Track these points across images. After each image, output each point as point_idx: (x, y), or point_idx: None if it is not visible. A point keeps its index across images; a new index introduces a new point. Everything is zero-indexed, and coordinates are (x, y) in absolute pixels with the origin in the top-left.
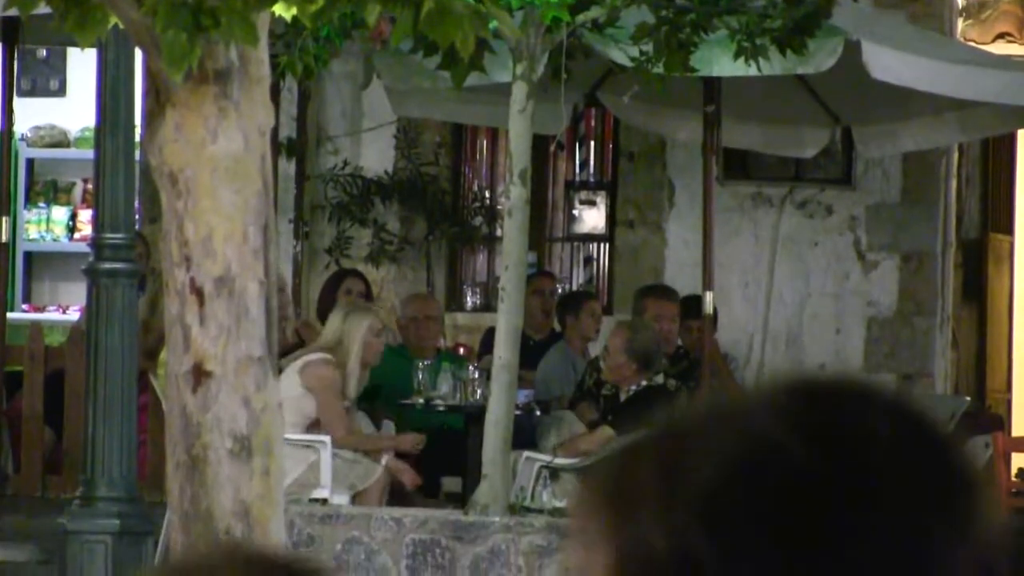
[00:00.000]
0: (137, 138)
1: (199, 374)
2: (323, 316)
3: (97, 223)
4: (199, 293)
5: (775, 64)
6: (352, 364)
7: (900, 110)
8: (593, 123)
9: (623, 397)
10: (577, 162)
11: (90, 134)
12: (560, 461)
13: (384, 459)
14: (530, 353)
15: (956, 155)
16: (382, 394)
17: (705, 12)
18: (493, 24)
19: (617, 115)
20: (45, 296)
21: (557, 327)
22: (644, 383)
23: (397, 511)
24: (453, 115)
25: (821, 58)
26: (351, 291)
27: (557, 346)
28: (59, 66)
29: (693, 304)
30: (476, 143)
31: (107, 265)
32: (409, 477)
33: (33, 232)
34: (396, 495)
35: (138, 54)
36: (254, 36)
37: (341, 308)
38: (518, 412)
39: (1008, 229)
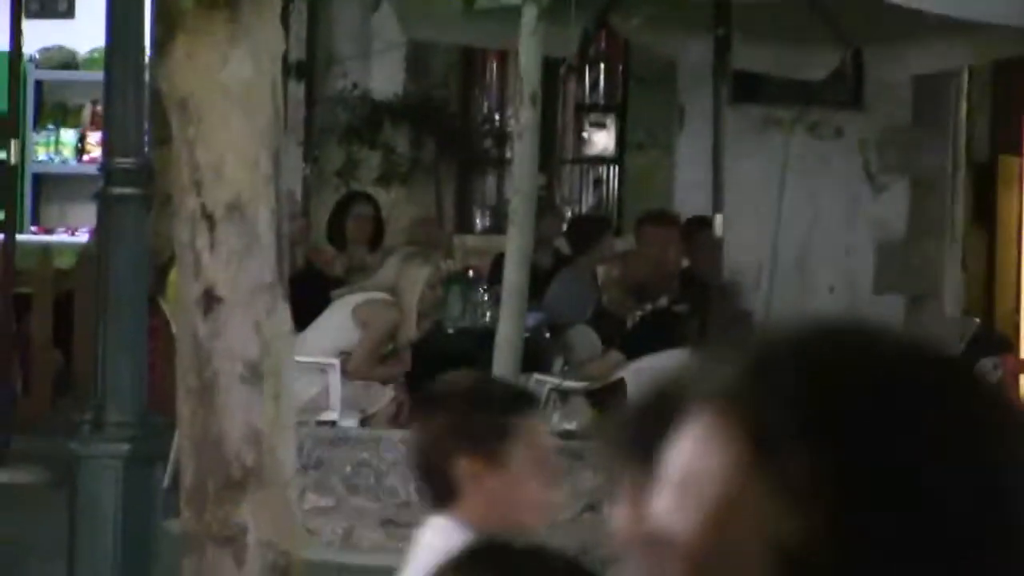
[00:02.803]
0: (146, 61)
1: (210, 300)
2: (332, 239)
3: (106, 148)
4: (210, 219)
5: None
6: (409, 312)
7: (911, 32)
8: (603, 45)
9: (629, 323)
10: (587, 85)
11: (99, 55)
12: (569, 384)
13: (392, 386)
14: (536, 280)
15: (966, 78)
16: None
17: None
18: None
19: (627, 38)
20: (54, 218)
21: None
22: (649, 307)
23: (406, 433)
24: (463, 38)
25: None
26: (360, 215)
27: (568, 269)
28: None
29: (700, 224)
30: (486, 66)
31: (117, 190)
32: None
33: (42, 154)
34: (406, 417)
35: None
36: None
37: (401, 252)
38: (527, 335)
39: (1018, 151)
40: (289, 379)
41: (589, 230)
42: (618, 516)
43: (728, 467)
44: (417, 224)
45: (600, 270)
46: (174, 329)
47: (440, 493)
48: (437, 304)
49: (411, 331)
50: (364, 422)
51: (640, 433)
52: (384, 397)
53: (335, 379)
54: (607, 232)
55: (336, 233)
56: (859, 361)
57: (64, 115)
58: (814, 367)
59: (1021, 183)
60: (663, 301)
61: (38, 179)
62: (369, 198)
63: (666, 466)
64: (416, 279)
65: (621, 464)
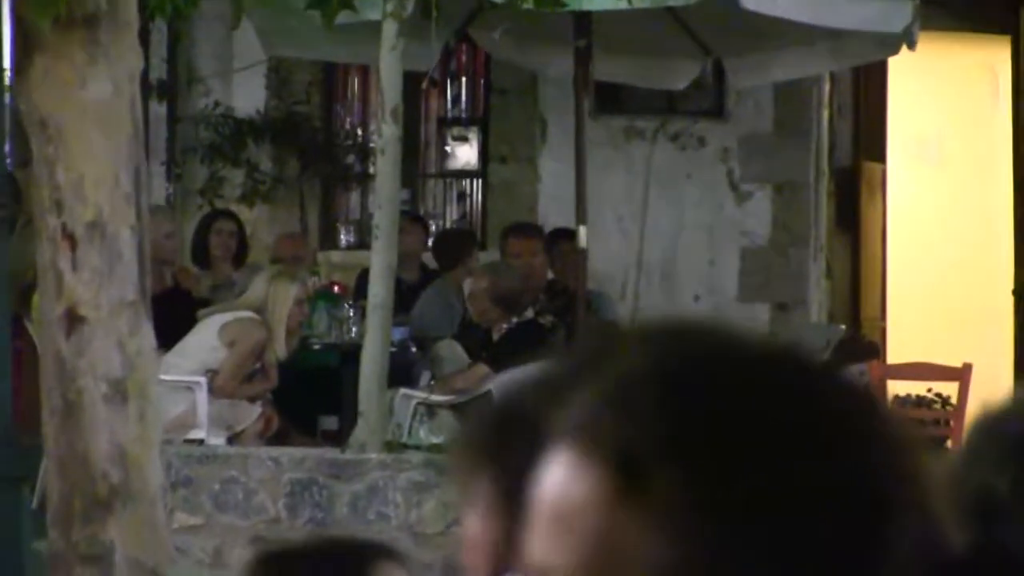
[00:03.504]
0: (7, 80)
1: (72, 319)
2: (196, 258)
3: None
4: (71, 238)
5: None
6: (278, 330)
7: (771, 41)
8: (464, 59)
9: (496, 336)
10: (449, 99)
11: None
12: (436, 398)
13: (259, 403)
14: (402, 296)
15: (828, 84)
16: None
17: None
18: None
19: (488, 51)
20: None
21: (431, 266)
22: (515, 320)
23: (274, 450)
24: (324, 54)
25: None
26: (222, 231)
27: (435, 283)
28: None
29: (563, 236)
30: (348, 81)
31: None
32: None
33: None
34: (273, 435)
35: None
36: None
37: (268, 271)
38: (393, 349)
39: (880, 157)
40: (154, 397)
41: (455, 244)
42: (469, 527)
43: (597, 500)
44: (282, 240)
45: (466, 283)
46: (39, 350)
47: None
48: (304, 321)
49: (280, 349)
50: (232, 440)
51: (493, 447)
52: (251, 414)
53: (202, 397)
54: (473, 246)
55: (199, 251)
56: (715, 373)
57: None
58: (669, 385)
59: (884, 189)
60: (529, 313)
61: None
62: (231, 215)
63: (537, 500)
64: (284, 297)
65: (474, 477)
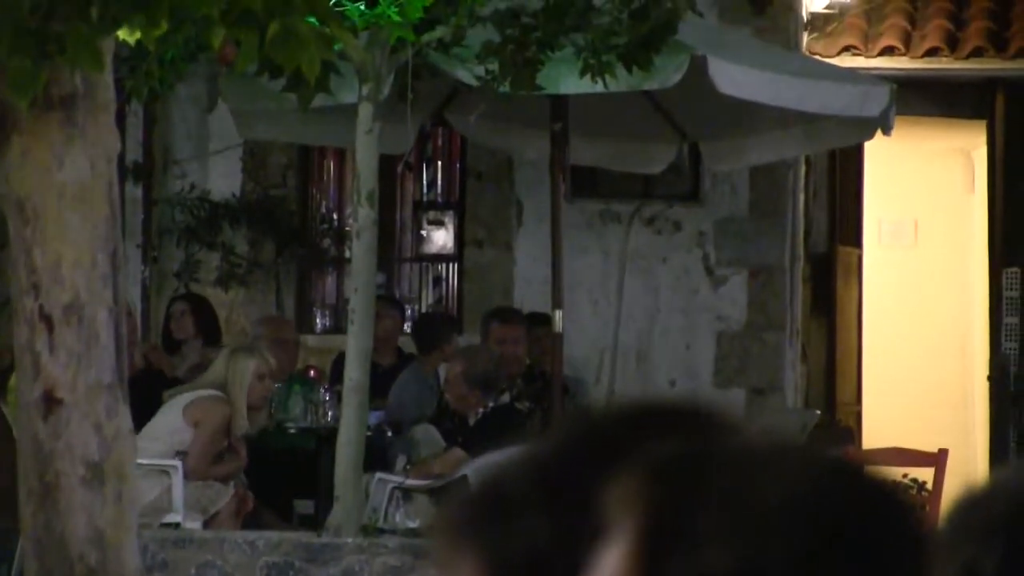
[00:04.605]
0: None
1: (50, 401)
2: (165, 343)
3: None
4: (48, 320)
5: (621, 81)
6: (239, 404)
7: (747, 125)
8: (440, 143)
9: (472, 420)
10: (425, 182)
11: None
12: (412, 482)
13: (233, 483)
14: (378, 380)
15: (803, 168)
16: None
17: (551, 30)
18: (338, 46)
19: (464, 135)
20: None
21: (406, 350)
22: (491, 405)
23: (251, 534)
24: (299, 137)
25: (667, 74)
26: (173, 314)
27: (412, 367)
28: None
29: (539, 320)
30: (323, 165)
31: None
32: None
33: None
34: (249, 519)
35: None
36: (99, 62)
37: (227, 348)
38: (369, 433)
39: (856, 242)
40: (132, 480)
41: (435, 328)
42: None
43: None
44: (263, 322)
45: (442, 368)
46: (15, 433)
47: None
48: (268, 396)
49: (243, 424)
50: (207, 523)
51: (476, 527)
52: (225, 495)
53: (178, 480)
54: (452, 331)
55: (166, 336)
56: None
57: None
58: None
59: (859, 273)
60: (505, 397)
61: None
62: (184, 297)
63: None
64: (243, 371)
65: (455, 559)
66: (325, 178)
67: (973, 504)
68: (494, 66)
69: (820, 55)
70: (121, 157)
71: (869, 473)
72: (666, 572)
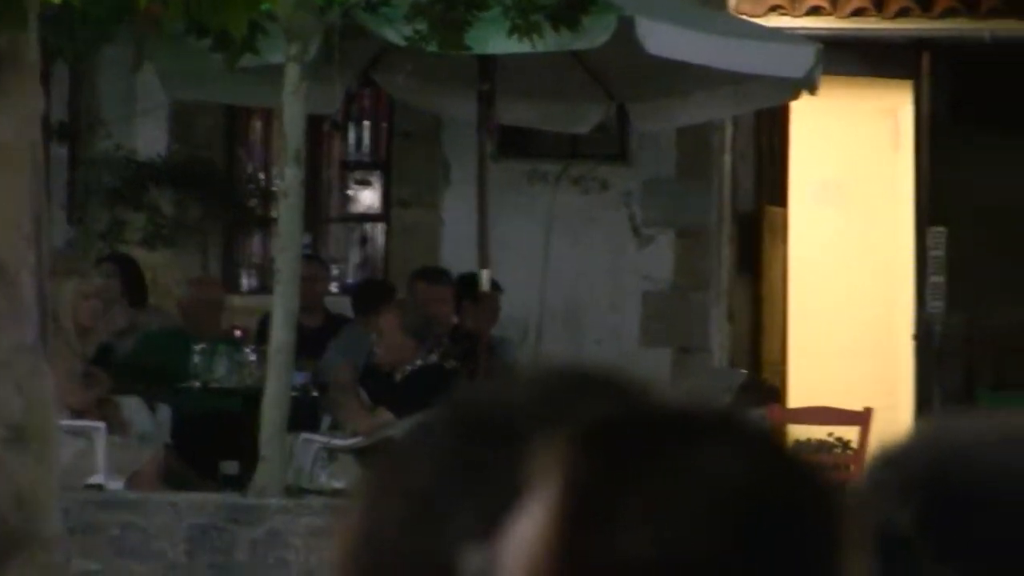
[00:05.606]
0: None
1: None
2: None
3: None
4: None
5: (549, 41)
6: (68, 329)
7: (674, 85)
8: (367, 103)
9: (398, 378)
10: (352, 142)
11: None
12: (337, 442)
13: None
14: (305, 340)
15: (730, 129)
16: (158, 378)
17: None
18: (266, 6)
19: (392, 94)
20: None
21: (333, 311)
22: (419, 363)
23: (174, 496)
24: (226, 97)
25: (595, 34)
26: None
27: (347, 327)
28: None
29: (469, 282)
30: (250, 125)
31: None
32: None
33: None
34: (173, 479)
35: None
36: (24, 22)
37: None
38: (295, 394)
39: (782, 201)
40: (54, 441)
41: (375, 293)
42: None
43: None
44: (191, 283)
45: (380, 321)
46: None
47: None
48: (96, 314)
49: (76, 348)
50: (129, 483)
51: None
52: (144, 454)
53: (100, 441)
54: (392, 298)
55: None
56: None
57: None
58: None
59: (786, 233)
60: (433, 357)
61: None
62: (112, 257)
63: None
64: (63, 295)
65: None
66: (252, 138)
67: (890, 461)
68: (422, 26)
69: (748, 15)
70: (46, 117)
71: (791, 455)
72: (583, 549)
